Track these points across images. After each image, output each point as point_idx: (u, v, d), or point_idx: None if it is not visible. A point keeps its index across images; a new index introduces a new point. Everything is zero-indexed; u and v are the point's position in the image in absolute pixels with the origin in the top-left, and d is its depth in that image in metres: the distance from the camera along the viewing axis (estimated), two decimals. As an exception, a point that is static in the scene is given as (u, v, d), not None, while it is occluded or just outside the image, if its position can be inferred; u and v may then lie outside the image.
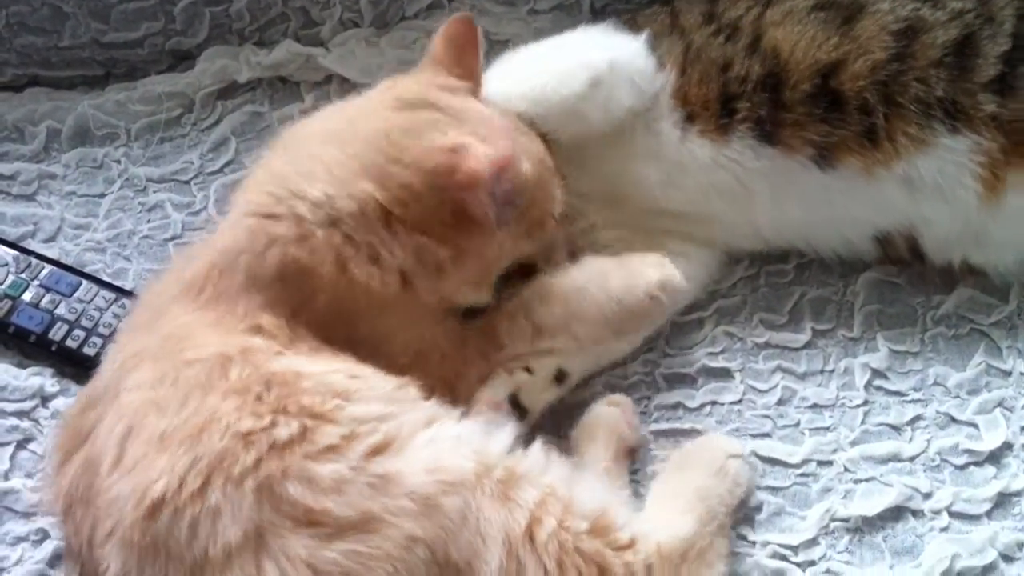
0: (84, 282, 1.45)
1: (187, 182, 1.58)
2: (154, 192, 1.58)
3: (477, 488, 1.05)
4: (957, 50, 1.25)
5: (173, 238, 1.54)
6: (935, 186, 1.26)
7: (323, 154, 1.21)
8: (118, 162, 1.60)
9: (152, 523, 1.04)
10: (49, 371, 1.41)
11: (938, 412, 1.30)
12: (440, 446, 1.08)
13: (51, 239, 1.54)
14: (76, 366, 1.41)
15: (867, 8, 1.29)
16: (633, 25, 1.41)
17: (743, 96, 1.31)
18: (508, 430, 1.14)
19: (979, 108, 1.24)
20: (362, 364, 1.15)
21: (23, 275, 1.45)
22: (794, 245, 1.40)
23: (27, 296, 1.43)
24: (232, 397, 1.08)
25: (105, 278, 1.48)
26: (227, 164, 1.60)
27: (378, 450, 1.06)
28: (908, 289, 1.38)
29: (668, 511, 1.18)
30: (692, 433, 1.30)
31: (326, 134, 1.25)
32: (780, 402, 1.32)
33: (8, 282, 1.44)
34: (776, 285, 1.41)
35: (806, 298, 1.39)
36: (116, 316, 1.42)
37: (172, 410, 1.08)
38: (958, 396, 1.31)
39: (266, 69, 1.64)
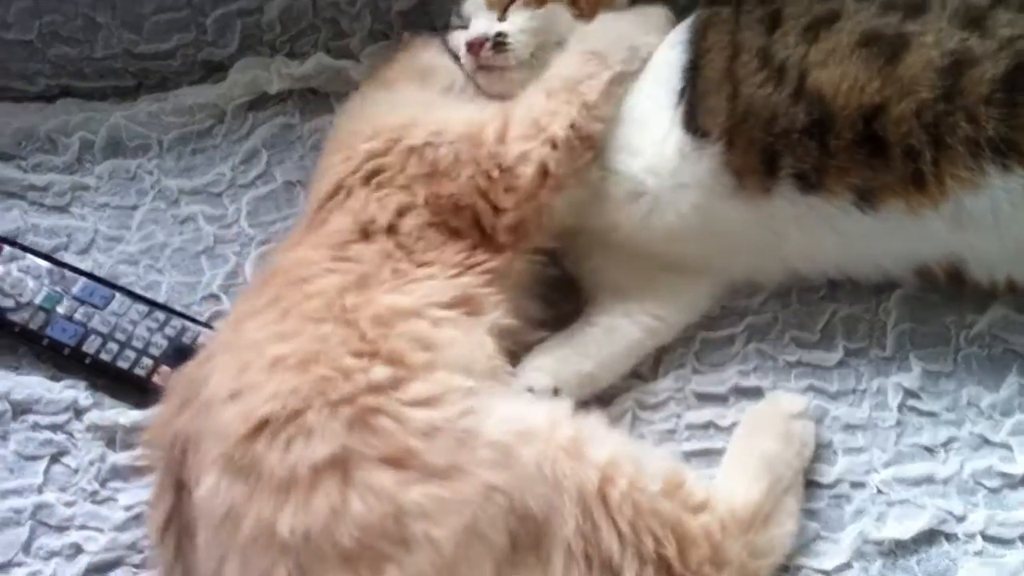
0: (117, 295, 1.46)
1: (219, 194, 1.59)
2: (186, 204, 1.58)
3: (551, 440, 1.11)
4: (1008, 84, 1.20)
5: (205, 251, 1.54)
6: (984, 222, 1.23)
7: None
8: (151, 173, 1.61)
9: (252, 443, 1.09)
10: (83, 384, 1.42)
11: (971, 433, 1.29)
12: (517, 406, 1.16)
13: (84, 251, 1.54)
14: (110, 379, 1.42)
15: (911, 42, 1.25)
16: (703, 39, 1.38)
17: (788, 150, 1.27)
18: (568, 401, 1.22)
19: None
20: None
21: (57, 287, 1.45)
22: (824, 273, 1.39)
23: (61, 309, 1.44)
24: (341, 328, 1.16)
25: (138, 291, 1.49)
26: (258, 177, 1.60)
27: (463, 414, 1.12)
28: (941, 307, 1.37)
29: (738, 478, 1.23)
30: (724, 453, 1.30)
31: None
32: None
33: (42, 295, 1.45)
34: (808, 302, 1.40)
35: (838, 316, 1.39)
36: (149, 329, 1.43)
37: (289, 337, 1.15)
38: (992, 417, 1.30)
39: (297, 81, 1.64)
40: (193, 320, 1.45)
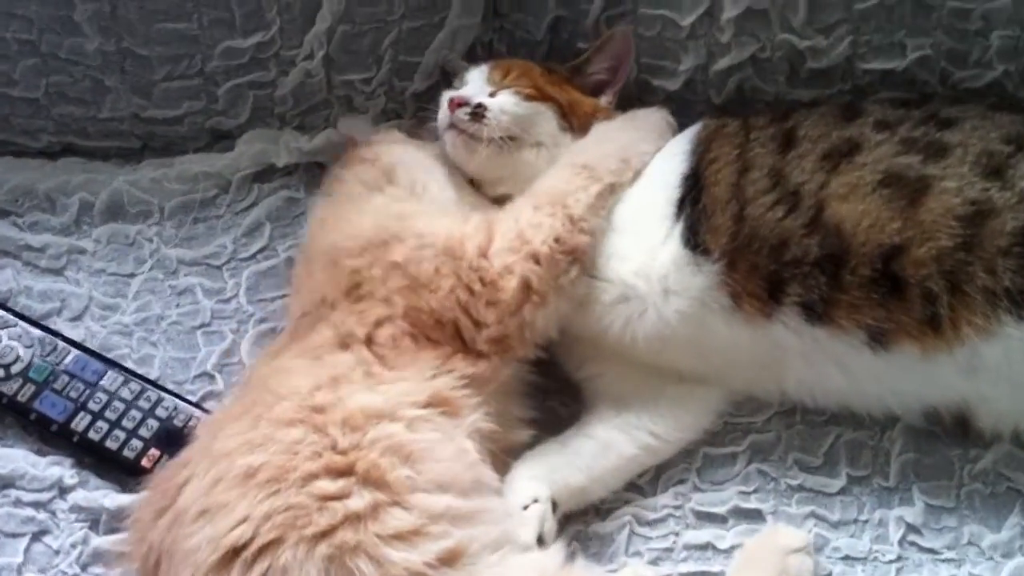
0: (110, 371, 1.42)
1: (219, 267, 1.56)
2: (185, 275, 1.55)
3: None
4: None
5: (202, 325, 1.51)
6: (998, 372, 1.22)
7: None
8: (150, 241, 1.58)
9: (222, 572, 1.06)
10: (68, 460, 1.38)
11: (971, 574, 1.27)
12: (507, 569, 1.12)
13: (77, 318, 1.51)
14: (97, 458, 1.38)
15: (933, 187, 1.24)
16: (708, 150, 1.38)
17: (796, 280, 1.26)
18: (560, 546, 1.22)
19: None
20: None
21: (48, 359, 1.42)
22: (825, 406, 1.37)
23: (51, 382, 1.41)
24: (312, 436, 1.13)
25: (131, 364, 1.46)
26: (260, 251, 1.57)
27: (449, 559, 1.08)
28: (945, 440, 1.35)
29: None
30: (721, 577, 1.28)
31: None
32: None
33: (34, 366, 1.41)
34: (812, 423, 1.38)
35: (842, 440, 1.37)
36: (140, 410, 1.40)
37: (259, 446, 1.13)
38: (992, 558, 1.28)
39: (305, 154, 1.62)
40: (186, 401, 1.42)
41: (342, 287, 1.29)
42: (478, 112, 1.43)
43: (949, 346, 1.23)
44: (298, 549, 1.05)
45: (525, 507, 1.27)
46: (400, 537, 1.08)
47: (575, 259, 1.30)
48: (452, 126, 1.44)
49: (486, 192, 1.47)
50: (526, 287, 1.27)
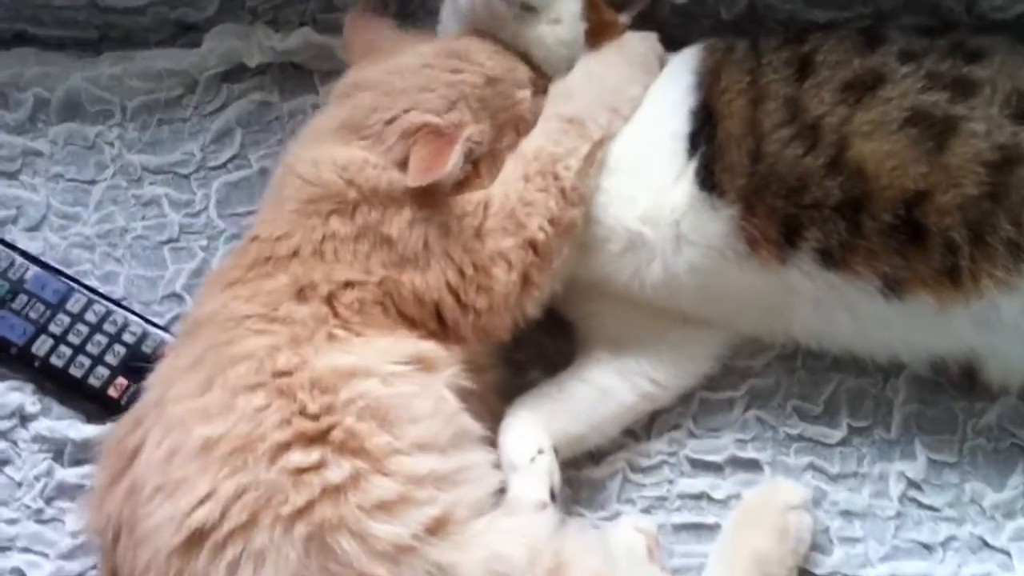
0: (74, 291, 1.33)
1: (186, 176, 1.46)
2: (150, 184, 1.45)
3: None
4: None
5: (169, 240, 1.42)
6: (1015, 324, 1.17)
7: None
8: (111, 145, 1.47)
9: (188, 557, 0.99)
10: (30, 387, 1.32)
11: (971, 534, 1.25)
12: (494, 537, 1.05)
13: (35, 227, 1.42)
14: (60, 385, 1.30)
15: (960, 128, 1.17)
16: (717, 80, 1.28)
17: (815, 224, 1.19)
18: (552, 510, 1.16)
19: None
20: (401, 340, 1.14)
21: (7, 276, 1.33)
22: (829, 350, 1.32)
23: (9, 302, 1.31)
24: (277, 401, 1.04)
25: (93, 282, 1.38)
26: (231, 159, 1.47)
27: (435, 528, 1.03)
28: (950, 391, 1.31)
29: None
30: (716, 528, 1.25)
31: None
32: (811, 504, 1.26)
33: (-11, 283, 1.32)
34: (813, 369, 1.33)
35: (843, 387, 1.32)
36: (106, 334, 1.32)
37: (218, 415, 1.04)
38: (993, 518, 1.26)
39: (279, 55, 1.50)
40: (155, 325, 1.33)
41: (313, 239, 1.17)
42: None
43: (966, 298, 1.17)
44: (274, 531, 0.98)
45: (531, 459, 1.21)
46: (383, 508, 1.01)
47: (569, 235, 1.21)
48: None
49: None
50: (523, 277, 1.18)
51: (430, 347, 1.15)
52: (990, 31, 1.31)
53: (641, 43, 1.33)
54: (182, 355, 1.13)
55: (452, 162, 1.16)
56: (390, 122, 1.20)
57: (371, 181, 1.18)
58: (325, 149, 1.21)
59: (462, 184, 1.20)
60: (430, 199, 1.17)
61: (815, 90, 1.23)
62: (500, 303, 1.17)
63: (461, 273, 1.16)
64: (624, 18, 1.38)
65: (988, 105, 1.19)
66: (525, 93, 1.29)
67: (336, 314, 1.13)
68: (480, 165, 1.23)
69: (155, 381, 1.13)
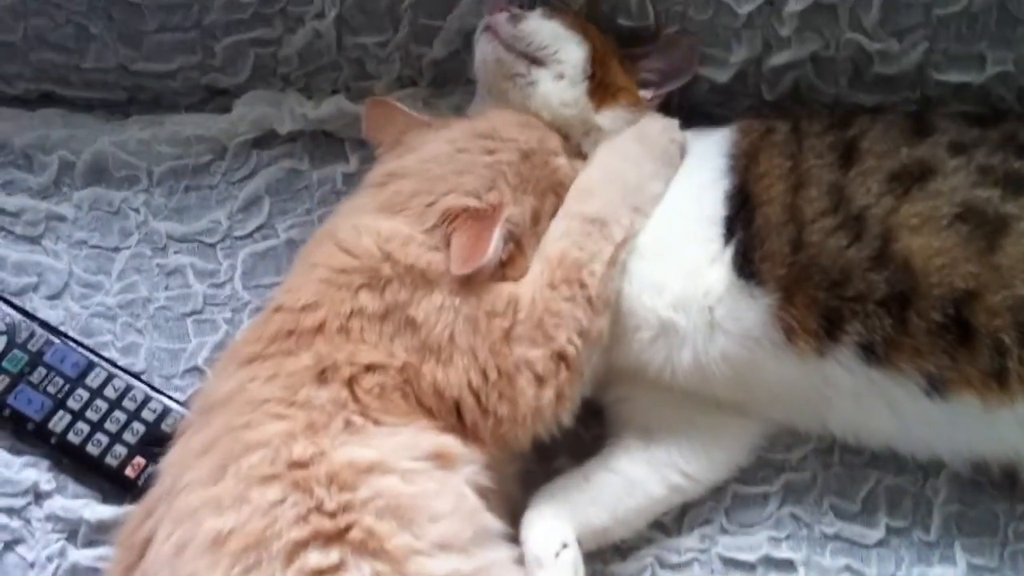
0: (94, 365, 1.30)
1: (212, 245, 1.43)
2: (175, 253, 1.42)
3: None
4: None
5: (193, 312, 1.39)
6: None
7: None
8: (137, 211, 1.44)
9: None
10: (45, 463, 1.28)
11: (1011, 644, 1.21)
12: None
13: (56, 295, 1.39)
14: (76, 462, 1.27)
15: (1012, 227, 1.14)
16: (755, 163, 1.25)
17: (857, 317, 1.15)
18: None
19: None
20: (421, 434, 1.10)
21: (26, 348, 1.30)
22: (868, 446, 1.27)
23: (28, 374, 1.29)
24: (293, 495, 1.00)
25: (114, 353, 1.35)
26: (258, 229, 1.44)
27: None
28: (991, 491, 1.26)
29: None
30: (748, 633, 1.21)
31: None
32: (845, 609, 1.22)
33: (8, 355, 1.29)
34: (851, 465, 1.28)
35: (882, 485, 1.27)
36: (126, 411, 1.29)
37: (230, 507, 1.00)
38: (1034, 627, 1.21)
39: (310, 122, 1.47)
40: (175, 401, 1.31)
41: (340, 318, 1.13)
42: (517, 17, 1.34)
43: (1013, 400, 1.13)
44: None
45: (556, 554, 1.17)
46: None
47: (598, 344, 1.18)
48: (487, 28, 1.34)
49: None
50: (555, 392, 1.14)
51: (450, 442, 1.11)
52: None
53: (662, 134, 1.30)
54: (196, 438, 1.09)
55: (492, 248, 1.14)
56: (431, 205, 1.19)
57: (410, 258, 1.15)
58: (367, 219, 1.19)
59: (505, 264, 1.19)
60: (464, 287, 1.14)
61: (861, 179, 1.21)
62: (524, 415, 1.14)
63: (484, 376, 1.13)
64: (647, 94, 1.36)
65: None
66: (560, 160, 1.28)
67: (356, 399, 1.09)
68: (523, 241, 1.21)
69: (168, 466, 1.10)
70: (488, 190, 1.21)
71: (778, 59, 1.36)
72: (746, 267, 1.20)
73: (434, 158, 1.23)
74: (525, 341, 1.14)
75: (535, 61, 1.33)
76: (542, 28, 1.34)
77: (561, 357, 1.14)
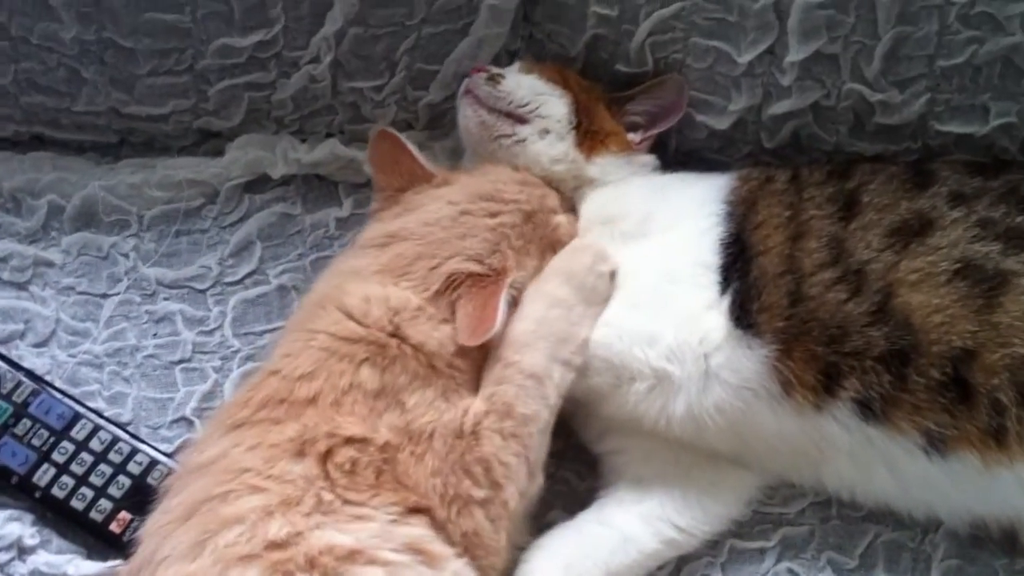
0: (79, 416, 1.28)
1: (203, 291, 1.41)
2: (164, 299, 1.40)
3: None
4: None
5: (181, 361, 1.37)
6: None
7: None
8: (126, 256, 1.42)
9: None
10: (29, 517, 1.25)
11: None
12: None
13: (43, 343, 1.36)
14: (61, 516, 1.25)
15: (1012, 284, 1.13)
16: (752, 211, 1.24)
17: (855, 373, 1.14)
18: None
19: None
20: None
21: (11, 399, 1.27)
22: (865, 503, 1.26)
23: (12, 427, 1.26)
24: None
25: (100, 403, 1.32)
26: (249, 275, 1.42)
27: None
28: (991, 546, 1.24)
29: None
30: None
31: None
32: (842, 671, 1.20)
33: (-6, 405, 1.27)
34: (849, 519, 1.27)
35: (880, 540, 1.26)
36: (111, 464, 1.26)
37: None
38: None
39: (304, 166, 1.46)
40: (162, 453, 1.28)
41: (340, 385, 1.11)
42: (495, 78, 1.34)
43: (1012, 460, 1.12)
44: None
45: None
46: None
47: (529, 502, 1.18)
48: (467, 92, 1.35)
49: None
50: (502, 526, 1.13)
51: (428, 537, 1.08)
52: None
53: (590, 270, 1.24)
54: (177, 502, 1.07)
55: (500, 319, 1.13)
56: (434, 268, 1.18)
57: (421, 335, 1.14)
58: (374, 288, 1.17)
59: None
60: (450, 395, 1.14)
61: (861, 232, 1.20)
62: (483, 536, 1.12)
63: (445, 489, 1.10)
64: (636, 137, 1.36)
65: None
66: (560, 218, 1.28)
67: (327, 475, 1.06)
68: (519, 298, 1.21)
69: (150, 531, 1.07)
70: (492, 254, 1.20)
71: (778, 108, 1.36)
72: (744, 317, 1.18)
73: (436, 221, 1.22)
74: (477, 479, 1.12)
75: (519, 119, 1.33)
76: (521, 85, 1.35)
77: (505, 505, 1.13)
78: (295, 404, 1.10)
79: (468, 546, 1.10)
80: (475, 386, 1.17)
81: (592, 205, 1.33)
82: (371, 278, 1.19)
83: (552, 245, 1.26)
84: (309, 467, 1.06)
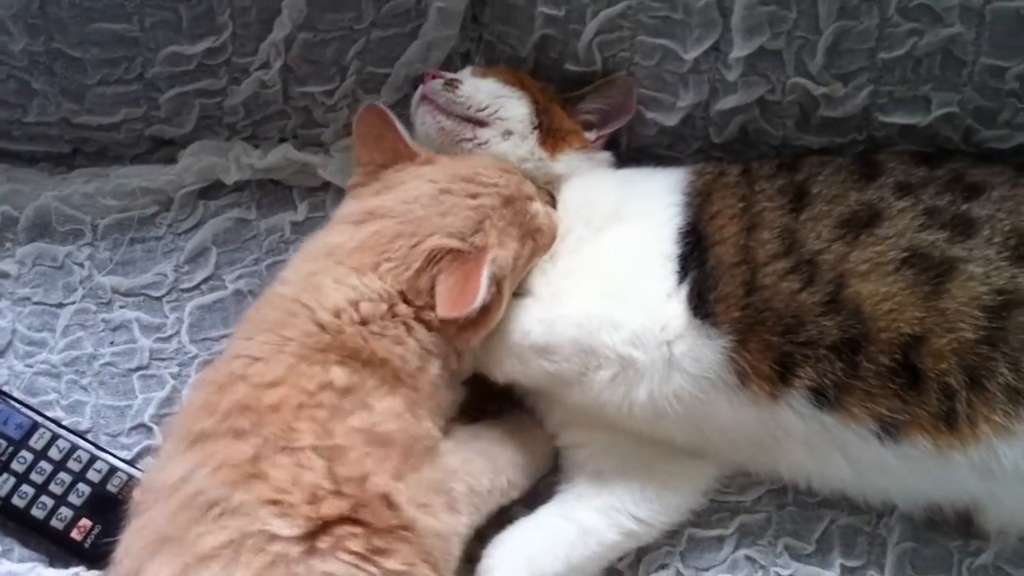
0: (38, 426, 1.28)
1: (159, 298, 1.41)
2: (120, 307, 1.40)
3: None
4: None
5: (139, 368, 1.37)
6: (1015, 473, 1.14)
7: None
8: (81, 266, 1.42)
9: None
10: (-10, 526, 1.25)
11: None
12: None
13: (-1, 355, 1.36)
14: (22, 524, 1.25)
15: (958, 269, 1.16)
16: (707, 203, 1.27)
17: (810, 362, 1.16)
18: None
19: None
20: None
21: (-33, 410, 1.27)
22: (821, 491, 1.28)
23: (-31, 438, 1.26)
24: None
25: (59, 412, 1.33)
26: (205, 280, 1.43)
27: None
28: (945, 527, 1.27)
29: None
30: None
31: None
32: (801, 652, 1.21)
33: (-51, 417, 1.27)
34: (804, 505, 1.29)
35: (836, 525, 1.28)
36: (71, 472, 1.27)
37: None
38: (990, 667, 1.22)
39: (257, 172, 1.47)
40: (122, 460, 1.28)
41: (308, 389, 1.11)
42: (453, 82, 1.35)
43: (963, 443, 1.14)
44: None
45: None
46: None
47: None
48: (424, 98, 1.35)
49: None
50: None
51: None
52: (988, 159, 1.31)
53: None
54: (151, 525, 1.06)
55: (482, 294, 1.13)
56: (415, 246, 1.18)
57: (384, 351, 1.14)
58: (346, 289, 1.17)
59: (487, 308, 1.17)
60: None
61: (812, 223, 1.22)
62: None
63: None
64: (591, 135, 1.38)
65: (987, 246, 1.17)
66: (537, 206, 1.29)
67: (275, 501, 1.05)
68: (503, 285, 1.21)
69: (128, 551, 1.07)
70: (473, 232, 1.20)
71: (725, 103, 1.37)
72: (702, 307, 1.20)
73: (416, 199, 1.22)
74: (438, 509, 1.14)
75: (479, 123, 1.34)
76: (479, 89, 1.36)
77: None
78: (260, 412, 1.09)
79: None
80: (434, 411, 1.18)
81: (563, 199, 1.34)
82: (347, 259, 1.18)
83: (531, 233, 1.26)
84: (261, 493, 1.05)
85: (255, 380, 1.11)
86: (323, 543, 1.03)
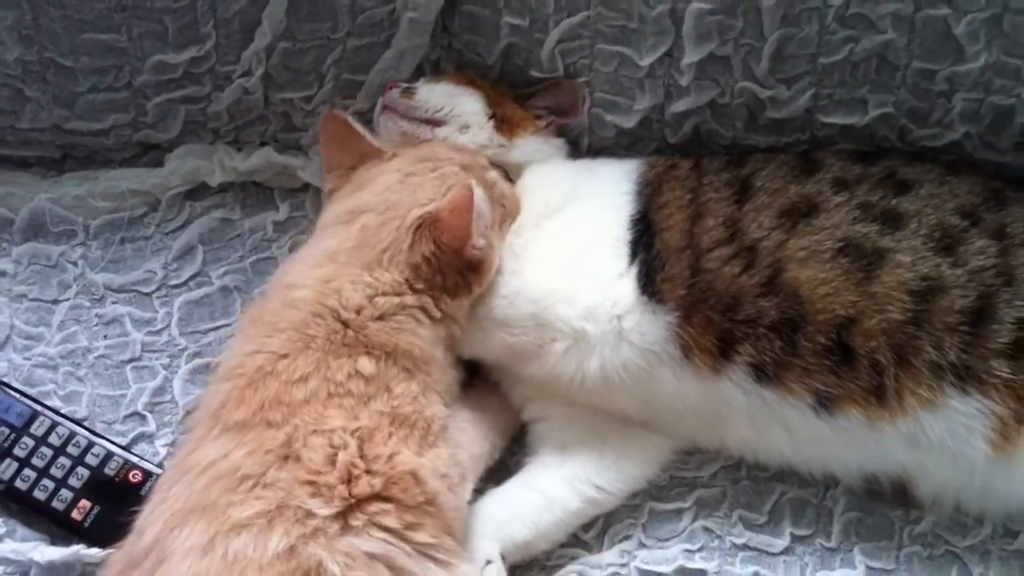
0: (38, 414, 1.36)
1: (148, 294, 1.49)
2: (112, 303, 1.48)
3: None
4: (973, 318, 1.22)
5: (131, 360, 1.45)
6: (940, 444, 1.23)
7: None
8: (74, 264, 1.50)
9: None
10: (-7, 507, 1.32)
11: (909, 641, 1.30)
12: None
13: (-1, 348, 1.43)
14: (24, 507, 1.32)
15: (888, 259, 1.26)
16: (657, 192, 1.36)
17: (749, 340, 1.26)
18: None
19: (992, 374, 1.21)
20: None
21: (-30, 399, 1.35)
22: (766, 463, 1.37)
23: (-27, 426, 1.33)
24: None
25: (56, 401, 1.40)
26: (192, 277, 1.51)
27: None
28: (887, 498, 1.36)
29: None
30: (666, 642, 1.28)
31: None
32: (756, 613, 1.30)
33: (-47, 406, 1.34)
34: (757, 479, 1.38)
35: (786, 497, 1.37)
36: (70, 457, 1.34)
37: None
38: (929, 624, 1.31)
39: (240, 174, 1.55)
40: (118, 446, 1.36)
41: (337, 379, 1.18)
42: (409, 89, 1.45)
43: (893, 416, 1.24)
44: None
45: (480, 570, 1.25)
46: None
47: None
48: (385, 108, 1.45)
49: None
50: None
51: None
52: (923, 157, 1.41)
53: None
54: (181, 497, 1.11)
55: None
56: (400, 226, 1.26)
57: (396, 340, 1.22)
58: (361, 288, 1.23)
59: (483, 261, 1.28)
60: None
61: (754, 214, 1.31)
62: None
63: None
64: (542, 123, 1.47)
65: (914, 237, 1.28)
66: (494, 174, 1.39)
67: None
68: (492, 230, 1.30)
69: (150, 521, 1.12)
70: (443, 194, 1.28)
71: (679, 106, 1.46)
72: (649, 286, 1.29)
73: (388, 188, 1.31)
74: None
75: (436, 123, 1.44)
76: (434, 92, 1.45)
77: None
78: (292, 405, 1.15)
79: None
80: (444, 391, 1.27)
81: (523, 183, 1.44)
82: (353, 259, 1.25)
83: (497, 198, 1.35)
84: (291, 470, 1.11)
85: (284, 376, 1.17)
86: (356, 520, 1.09)
